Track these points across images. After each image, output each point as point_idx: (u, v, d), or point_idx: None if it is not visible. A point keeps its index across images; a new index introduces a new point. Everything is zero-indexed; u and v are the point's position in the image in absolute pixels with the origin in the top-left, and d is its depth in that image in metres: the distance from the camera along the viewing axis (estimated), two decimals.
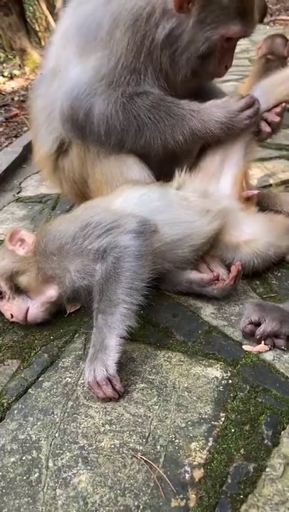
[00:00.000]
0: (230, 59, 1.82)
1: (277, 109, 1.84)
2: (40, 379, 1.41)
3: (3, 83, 7.26)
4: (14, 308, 1.57)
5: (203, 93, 1.94)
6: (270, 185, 2.57)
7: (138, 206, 1.66)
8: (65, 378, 1.40)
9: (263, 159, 2.84)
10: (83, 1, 1.77)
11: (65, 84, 1.79)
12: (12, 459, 1.17)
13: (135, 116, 1.74)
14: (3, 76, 7.71)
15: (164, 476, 1.09)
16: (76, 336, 1.58)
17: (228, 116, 1.76)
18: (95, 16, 1.69)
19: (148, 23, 1.64)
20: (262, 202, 2.03)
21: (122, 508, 1.03)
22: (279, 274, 1.80)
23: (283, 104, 1.85)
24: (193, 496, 1.04)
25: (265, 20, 8.94)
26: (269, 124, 1.84)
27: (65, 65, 1.79)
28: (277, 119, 1.84)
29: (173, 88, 1.81)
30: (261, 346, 1.43)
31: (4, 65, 9.73)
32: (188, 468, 1.10)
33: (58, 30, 1.91)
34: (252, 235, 1.73)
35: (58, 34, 1.90)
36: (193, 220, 1.67)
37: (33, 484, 1.10)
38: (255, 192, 1.85)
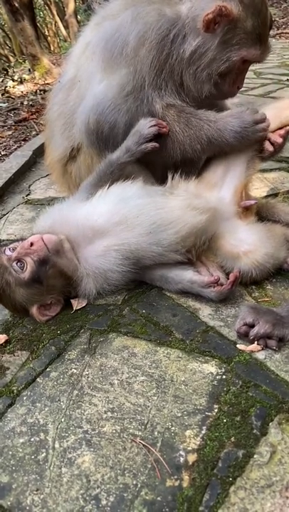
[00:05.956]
0: (242, 80, 1.96)
1: (281, 132, 1.94)
2: (47, 369, 1.51)
3: (13, 87, 7.41)
4: None
5: (218, 109, 2.03)
6: (272, 195, 2.66)
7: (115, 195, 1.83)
8: (71, 369, 1.50)
9: (263, 170, 2.94)
10: (108, 17, 1.88)
11: (91, 99, 1.89)
12: (21, 440, 1.27)
13: None
14: (13, 80, 7.87)
15: (161, 458, 1.19)
16: (82, 331, 1.69)
17: (243, 126, 1.85)
18: (121, 33, 1.79)
19: (173, 42, 1.77)
20: (261, 212, 2.12)
21: (121, 485, 1.13)
22: (274, 280, 1.90)
23: (287, 128, 1.95)
24: (187, 477, 1.14)
25: (272, 33, 9.09)
26: (272, 144, 1.95)
27: (88, 77, 1.90)
28: (279, 140, 1.93)
29: (193, 101, 1.91)
30: (254, 346, 1.53)
31: (14, 69, 9.91)
32: (182, 453, 1.20)
33: (80, 41, 2.00)
34: (251, 245, 1.81)
35: (80, 46, 1.99)
36: (174, 209, 1.78)
37: (41, 463, 1.21)
38: (253, 202, 1.95)
